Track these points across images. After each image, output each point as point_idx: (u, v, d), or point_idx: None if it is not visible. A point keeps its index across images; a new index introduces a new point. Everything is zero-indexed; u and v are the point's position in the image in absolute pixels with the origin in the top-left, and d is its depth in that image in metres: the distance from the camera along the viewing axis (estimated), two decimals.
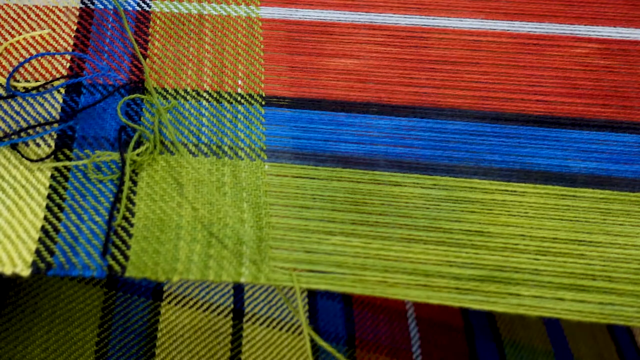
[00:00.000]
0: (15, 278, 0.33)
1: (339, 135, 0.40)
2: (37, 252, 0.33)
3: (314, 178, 0.38)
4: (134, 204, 0.35)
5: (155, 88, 0.41)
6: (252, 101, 0.41)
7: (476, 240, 0.36)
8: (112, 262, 0.33)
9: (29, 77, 0.40)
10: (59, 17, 0.44)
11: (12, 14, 0.44)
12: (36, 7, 0.44)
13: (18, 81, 0.40)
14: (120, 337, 0.49)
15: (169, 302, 0.51)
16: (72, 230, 0.34)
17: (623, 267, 0.36)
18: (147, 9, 0.46)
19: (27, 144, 0.37)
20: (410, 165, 0.39)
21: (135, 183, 0.36)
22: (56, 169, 0.36)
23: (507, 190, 0.38)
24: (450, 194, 0.38)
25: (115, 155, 0.37)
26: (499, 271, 0.35)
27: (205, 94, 0.41)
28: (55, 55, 0.42)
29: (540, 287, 0.34)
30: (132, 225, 0.35)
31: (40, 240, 0.34)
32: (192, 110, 0.40)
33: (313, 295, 0.52)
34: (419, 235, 0.36)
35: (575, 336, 0.51)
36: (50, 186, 0.36)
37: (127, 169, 0.36)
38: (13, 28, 0.43)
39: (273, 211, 0.36)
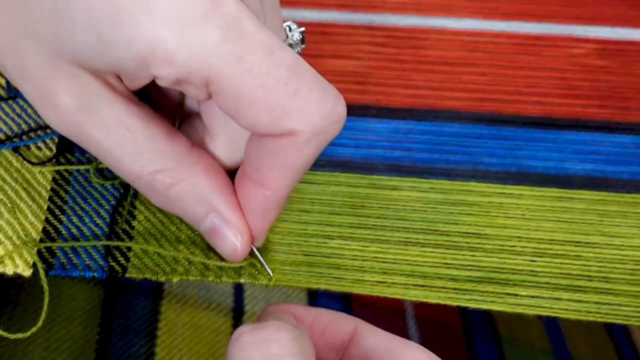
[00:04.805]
0: (16, 278, 0.33)
1: (337, 139, 0.40)
2: (39, 253, 0.33)
3: (312, 183, 0.38)
4: (135, 207, 0.36)
5: None
6: None
7: (473, 243, 0.36)
8: (112, 263, 0.33)
9: None
10: None
11: None
12: None
13: None
14: (120, 335, 0.49)
15: (169, 301, 0.51)
16: (73, 232, 0.34)
17: (619, 267, 0.36)
18: None
19: (28, 147, 0.37)
20: (408, 169, 0.39)
21: None
22: (58, 172, 0.36)
23: (503, 193, 0.38)
24: (447, 197, 0.38)
25: None
26: (496, 273, 0.35)
27: None
28: None
29: (537, 287, 0.35)
30: (132, 227, 0.35)
31: (41, 241, 0.34)
32: None
33: (313, 296, 0.52)
34: (416, 238, 0.36)
35: (573, 335, 0.52)
36: (52, 189, 0.36)
37: None
38: None
39: None
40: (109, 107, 0.30)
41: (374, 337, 0.31)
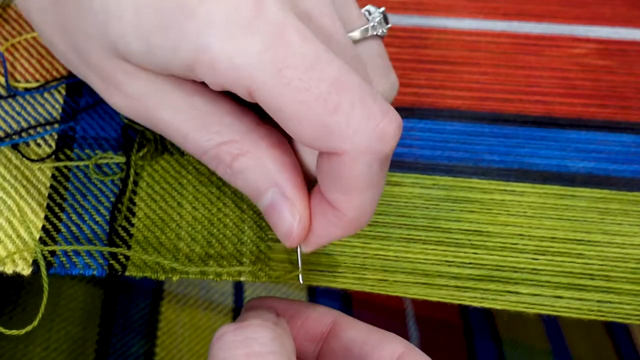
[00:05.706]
0: (17, 277, 0.33)
1: None
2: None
3: None
4: (134, 204, 0.36)
5: None
6: None
7: (475, 240, 0.36)
8: (112, 262, 0.33)
9: (29, 78, 0.40)
10: None
11: (13, 14, 0.44)
12: None
13: (19, 81, 0.40)
14: (120, 335, 0.49)
15: (169, 301, 0.51)
16: (72, 230, 0.34)
17: (621, 266, 0.36)
18: None
19: (27, 144, 0.37)
20: (410, 164, 0.39)
21: (136, 183, 0.36)
22: (57, 169, 0.36)
23: (505, 190, 0.38)
24: (449, 194, 0.38)
25: (118, 158, 0.37)
26: (497, 271, 0.35)
27: None
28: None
29: (538, 286, 0.35)
30: (132, 225, 0.35)
31: (41, 239, 0.34)
32: None
33: (313, 295, 0.52)
34: (418, 235, 0.36)
35: (573, 335, 0.52)
36: (51, 186, 0.36)
37: (132, 172, 0.36)
38: (14, 28, 0.43)
39: None
40: (175, 90, 0.30)
41: (353, 329, 0.31)
